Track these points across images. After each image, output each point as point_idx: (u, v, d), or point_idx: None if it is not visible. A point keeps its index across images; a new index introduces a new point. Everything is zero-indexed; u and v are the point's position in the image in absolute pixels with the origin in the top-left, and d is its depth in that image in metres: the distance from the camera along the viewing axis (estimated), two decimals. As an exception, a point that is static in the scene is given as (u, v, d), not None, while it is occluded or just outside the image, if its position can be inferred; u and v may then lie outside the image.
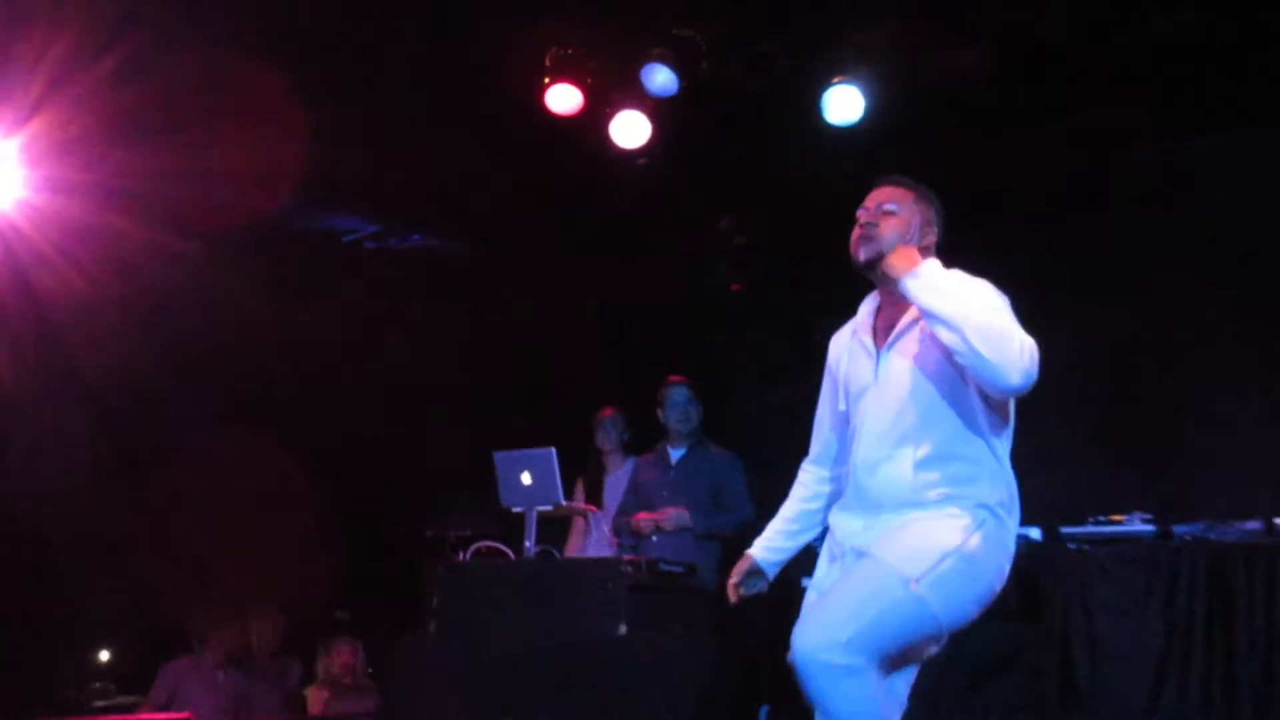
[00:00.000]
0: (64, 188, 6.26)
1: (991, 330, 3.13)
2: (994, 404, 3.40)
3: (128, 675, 7.50)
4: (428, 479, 7.75)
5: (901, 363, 3.46)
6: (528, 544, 5.77)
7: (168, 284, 6.84)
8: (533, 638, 5.33)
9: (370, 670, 7.39)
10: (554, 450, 5.81)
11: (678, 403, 6.25)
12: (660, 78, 6.57)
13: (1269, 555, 4.84)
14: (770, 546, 4.06)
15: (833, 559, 3.70)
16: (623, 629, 5.17)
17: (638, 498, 6.25)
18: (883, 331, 3.58)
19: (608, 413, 6.96)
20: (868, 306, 3.72)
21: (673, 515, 6.01)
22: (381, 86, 6.33)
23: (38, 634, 6.73)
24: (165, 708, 6.92)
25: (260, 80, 5.96)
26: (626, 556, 5.67)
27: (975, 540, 3.31)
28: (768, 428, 7.09)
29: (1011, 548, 3.43)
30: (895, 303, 3.53)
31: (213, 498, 7.48)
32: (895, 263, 3.33)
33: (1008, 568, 3.41)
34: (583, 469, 6.93)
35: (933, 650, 3.41)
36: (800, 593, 4.30)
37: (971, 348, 3.10)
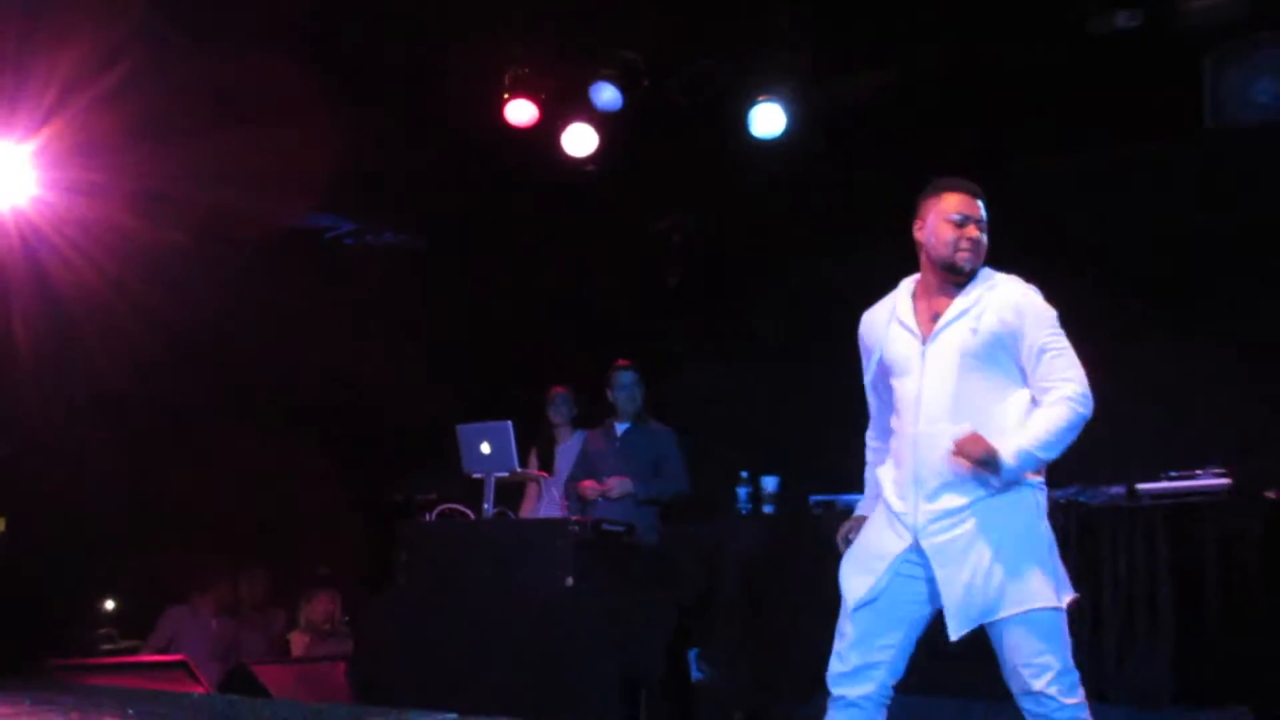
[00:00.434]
0: (78, 188, 6.21)
1: (1063, 434, 3.25)
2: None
3: (131, 622, 7.48)
4: (398, 449, 7.76)
5: (949, 353, 3.36)
6: (486, 506, 5.79)
7: (175, 277, 6.80)
8: (490, 589, 5.37)
9: (346, 618, 7.39)
10: (510, 423, 5.84)
11: (625, 384, 6.27)
12: (607, 94, 6.61)
13: (1130, 517, 4.92)
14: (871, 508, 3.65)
15: (890, 525, 3.44)
16: (570, 581, 5.21)
17: (585, 466, 6.28)
18: (925, 318, 3.46)
19: (559, 391, 6.99)
20: (907, 288, 3.60)
21: (617, 484, 6.04)
22: (362, 101, 6.32)
23: (51, 586, 6.70)
24: (163, 651, 6.92)
25: (263, 90, 5.97)
26: (574, 518, 5.70)
27: (1044, 520, 3.38)
28: (701, 405, 7.16)
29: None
30: (939, 292, 3.47)
31: (208, 468, 7.47)
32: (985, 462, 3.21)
33: None
34: (536, 440, 6.95)
35: None
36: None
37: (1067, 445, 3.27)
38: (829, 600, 5.53)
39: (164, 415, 7.22)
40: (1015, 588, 3.24)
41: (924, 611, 3.40)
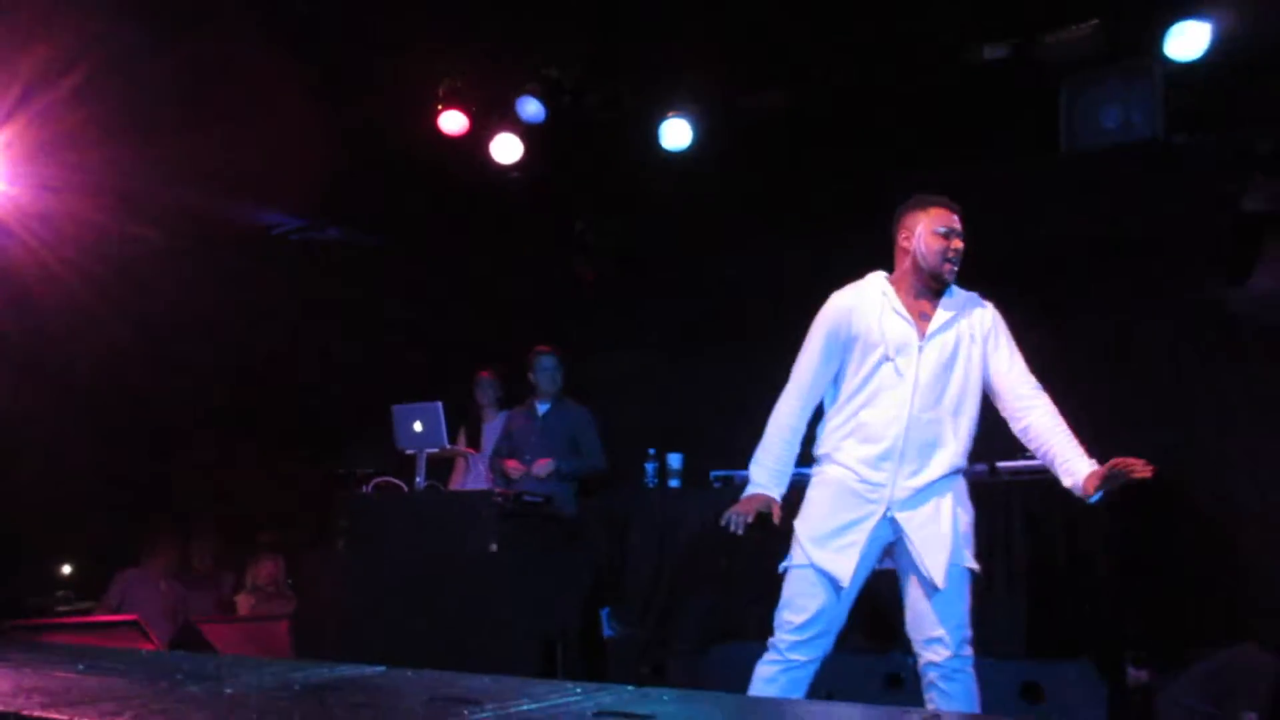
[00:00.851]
0: (45, 184, 6.04)
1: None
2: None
3: (85, 585, 7.32)
4: (337, 427, 7.67)
5: (943, 351, 3.45)
6: (418, 479, 5.76)
7: (135, 268, 6.64)
8: (421, 554, 5.34)
9: (289, 580, 7.29)
10: (440, 404, 5.80)
11: (546, 367, 6.25)
12: (531, 108, 6.61)
13: (990, 491, 4.99)
14: (782, 484, 3.64)
15: (856, 498, 3.46)
16: (494, 547, 5.19)
17: (509, 443, 6.25)
18: (915, 315, 3.49)
19: (485, 374, 6.96)
20: (877, 288, 3.55)
21: (542, 466, 6.01)
22: (309, 108, 6.21)
23: (10, 553, 6.53)
24: (116, 610, 6.77)
25: (220, 94, 5.86)
26: (498, 490, 5.68)
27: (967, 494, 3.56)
28: (613, 388, 7.15)
29: None
30: (920, 294, 3.51)
31: (163, 445, 7.34)
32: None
33: None
34: (464, 419, 6.91)
35: None
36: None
37: None
38: (726, 565, 5.59)
39: (123, 397, 7.05)
40: (959, 550, 3.40)
41: (868, 576, 3.48)
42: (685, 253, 7.33)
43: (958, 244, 3.47)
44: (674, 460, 6.19)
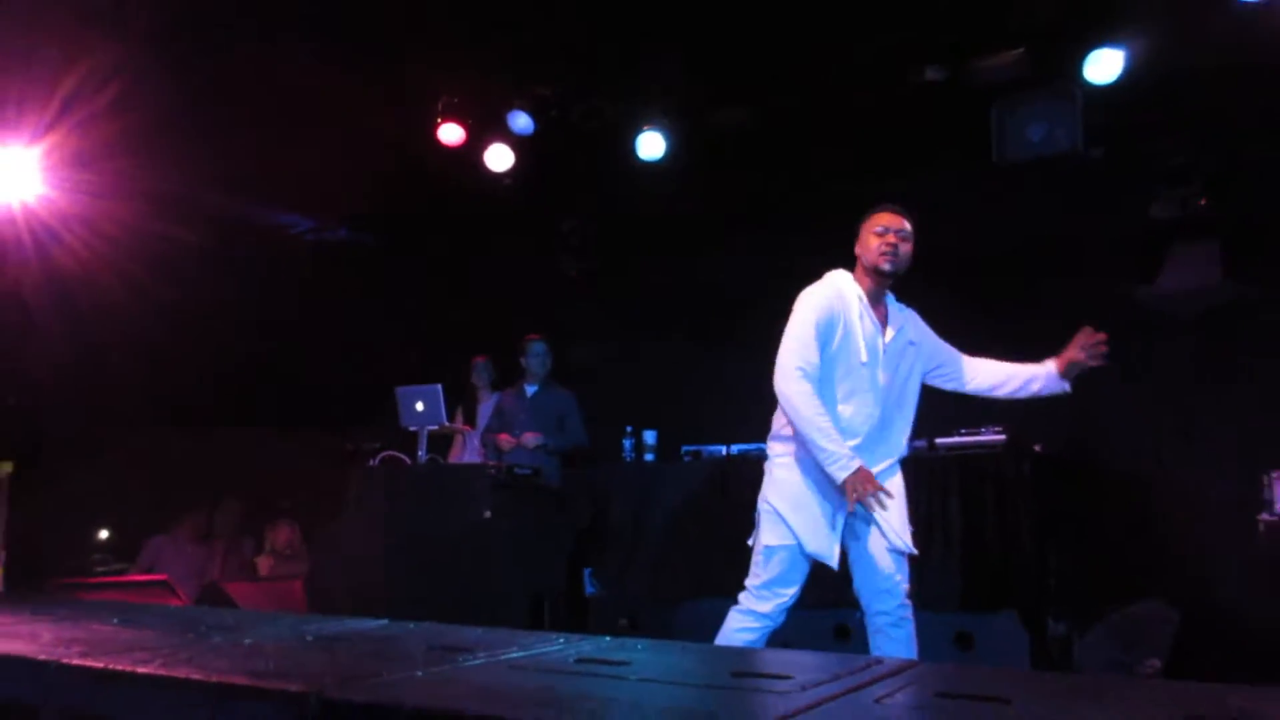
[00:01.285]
0: (80, 187, 5.98)
1: None
2: None
3: (120, 549, 7.27)
4: (347, 406, 7.63)
5: (898, 355, 3.50)
6: (420, 453, 5.74)
7: (166, 265, 6.57)
8: (422, 520, 5.32)
9: (304, 544, 7.26)
10: (440, 386, 5.78)
11: (537, 352, 6.23)
12: (521, 121, 6.58)
13: (929, 464, 5.02)
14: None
15: (833, 482, 3.35)
16: (488, 514, 5.19)
17: (501, 421, 6.23)
18: (880, 319, 3.50)
19: (480, 359, 6.94)
20: (853, 289, 3.48)
21: (531, 437, 6.00)
22: (323, 120, 6.17)
23: (53, 519, 6.47)
24: (148, 571, 6.73)
25: (242, 106, 5.81)
26: (491, 463, 5.66)
27: None
28: (595, 372, 7.15)
29: None
30: (875, 300, 3.50)
31: (189, 423, 7.28)
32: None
33: None
34: (461, 400, 6.88)
35: None
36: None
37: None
38: (693, 530, 5.59)
39: (154, 382, 6.99)
40: (906, 523, 3.47)
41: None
42: (660, 252, 7.32)
43: (891, 239, 3.42)
44: (649, 437, 6.18)
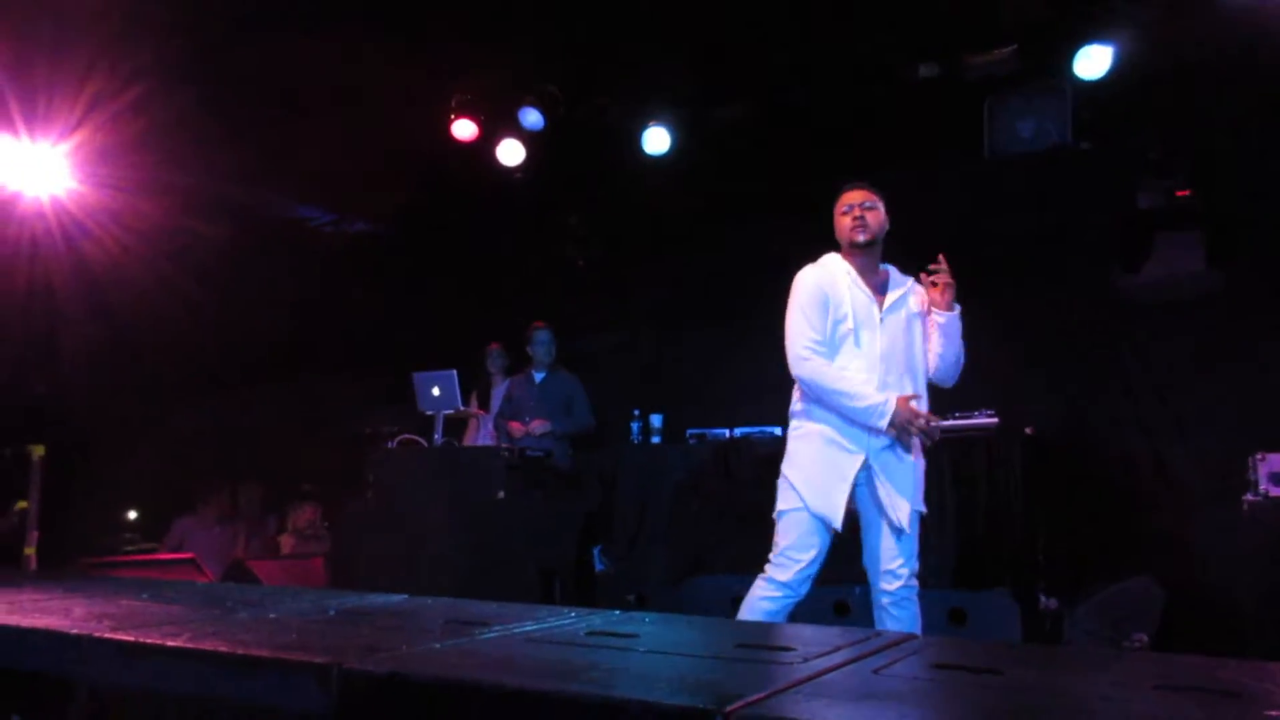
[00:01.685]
0: (107, 182, 5.98)
1: (962, 356, 3.50)
2: None
3: (149, 528, 7.30)
4: (367, 391, 7.64)
5: (898, 323, 3.44)
6: (436, 436, 5.73)
7: (191, 255, 6.58)
8: (438, 500, 5.32)
9: (326, 524, 7.26)
10: (455, 372, 5.78)
11: (542, 340, 6.22)
12: (532, 117, 6.60)
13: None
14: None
15: (842, 450, 3.39)
16: (501, 494, 5.18)
17: (511, 407, 6.23)
18: (874, 290, 3.45)
19: (494, 346, 6.92)
20: (840, 265, 3.48)
21: (539, 425, 5.99)
22: (343, 120, 6.16)
23: (83, 501, 6.49)
24: (175, 550, 6.75)
25: (265, 104, 5.81)
26: (504, 446, 5.66)
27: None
28: (604, 359, 7.15)
29: None
30: (865, 272, 3.46)
31: (216, 407, 7.29)
32: (946, 305, 3.46)
33: None
34: (475, 385, 6.88)
35: None
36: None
37: (957, 357, 3.49)
38: (698, 509, 5.58)
39: (180, 370, 7.00)
40: (917, 495, 3.41)
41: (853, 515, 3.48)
42: (664, 243, 7.31)
43: (857, 212, 3.44)
44: (656, 420, 6.19)
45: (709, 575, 5.32)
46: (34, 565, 5.41)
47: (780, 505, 3.48)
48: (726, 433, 5.72)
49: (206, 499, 7.24)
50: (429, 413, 5.81)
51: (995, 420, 4.97)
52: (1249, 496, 4.33)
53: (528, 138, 6.71)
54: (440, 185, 7.13)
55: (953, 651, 1.97)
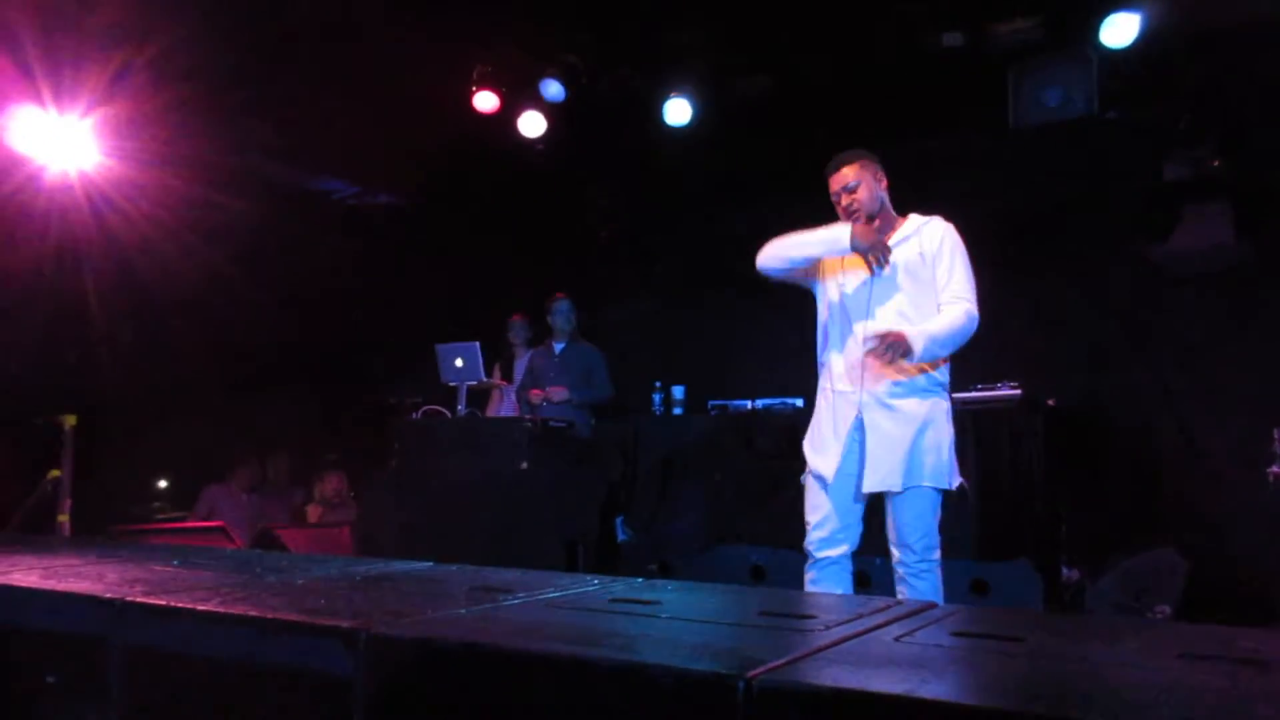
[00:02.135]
0: (133, 155, 6.00)
1: (956, 336, 3.21)
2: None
3: (179, 497, 7.37)
4: (392, 363, 7.67)
5: (892, 276, 3.32)
6: (460, 407, 5.76)
7: (220, 230, 6.60)
8: (462, 470, 5.35)
9: (352, 493, 7.33)
10: (478, 344, 5.80)
11: (562, 311, 6.22)
12: (553, 89, 6.57)
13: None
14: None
15: (835, 408, 3.38)
16: (524, 464, 5.20)
17: (532, 379, 6.24)
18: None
19: (517, 317, 6.93)
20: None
21: (556, 391, 6.01)
22: (366, 93, 6.15)
23: (115, 469, 6.56)
24: (205, 518, 6.82)
25: (288, 76, 5.82)
26: (527, 416, 5.68)
27: (948, 422, 3.35)
28: (627, 330, 7.15)
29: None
30: (890, 229, 3.40)
31: (245, 377, 7.33)
32: (899, 351, 3.14)
33: None
34: (498, 356, 6.90)
35: None
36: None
37: (957, 348, 3.26)
38: (719, 480, 5.60)
39: (208, 340, 7.03)
40: (918, 467, 3.26)
41: (859, 481, 3.34)
42: (685, 214, 7.29)
43: (843, 200, 3.40)
44: (677, 391, 6.19)
45: (731, 545, 5.34)
46: (68, 532, 5.48)
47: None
48: (748, 404, 5.72)
49: (235, 468, 7.30)
50: (452, 384, 5.84)
51: (1018, 392, 4.94)
52: (1274, 468, 4.30)
53: (549, 109, 6.69)
54: (462, 157, 7.12)
55: (974, 620, 1.97)
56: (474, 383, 5.84)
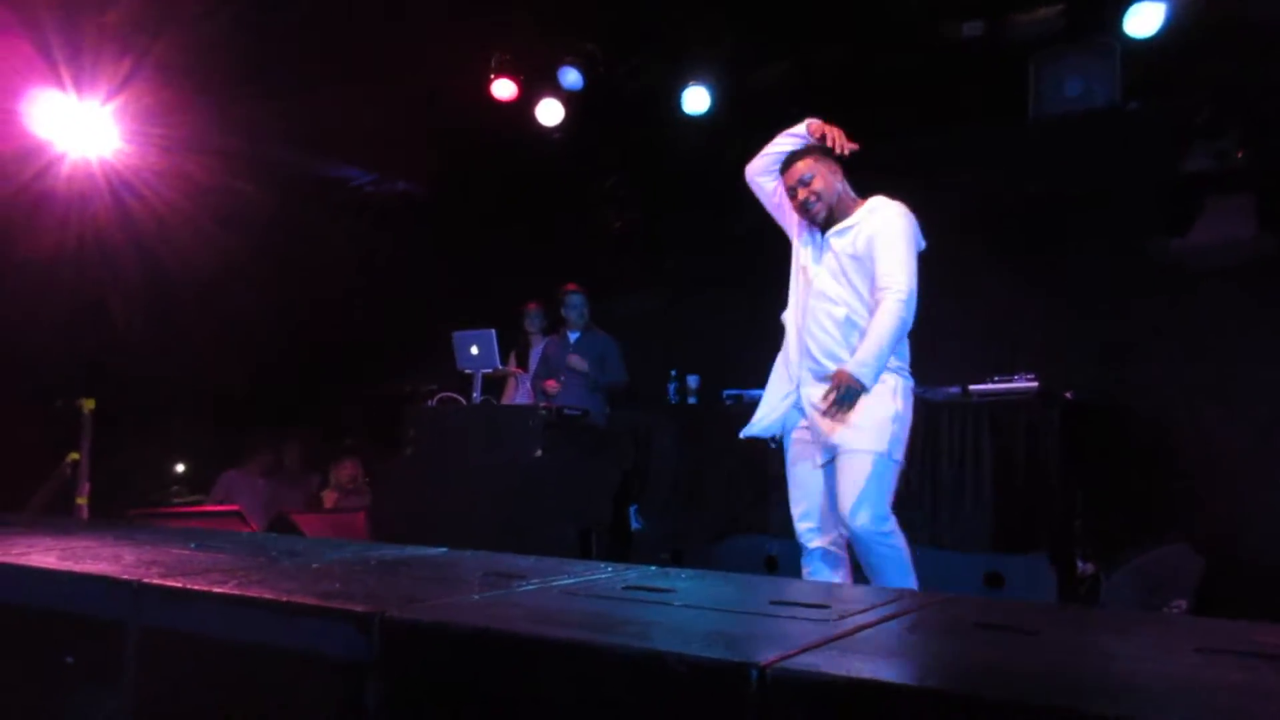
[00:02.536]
0: (153, 141, 6.03)
1: (893, 334, 3.16)
2: None
3: (196, 481, 7.41)
4: (408, 350, 7.69)
5: (831, 259, 3.33)
6: (475, 395, 5.76)
7: (238, 216, 6.62)
8: (477, 457, 5.36)
9: (367, 479, 7.35)
10: (494, 331, 5.80)
11: (575, 304, 6.23)
12: (571, 77, 6.55)
13: (963, 409, 4.98)
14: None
15: (780, 381, 3.45)
16: (539, 452, 5.20)
17: (547, 368, 6.25)
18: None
19: (533, 306, 6.93)
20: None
21: (577, 359, 6.01)
22: (382, 80, 6.16)
23: (132, 454, 6.61)
24: (221, 503, 6.86)
25: (307, 63, 5.82)
26: (542, 404, 5.69)
27: (901, 399, 3.25)
28: (642, 321, 7.14)
29: (912, 395, 3.34)
30: (849, 213, 3.40)
31: (260, 363, 7.36)
32: (850, 389, 3.13)
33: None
34: (514, 344, 6.91)
35: None
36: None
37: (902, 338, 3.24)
38: (733, 469, 5.60)
39: (225, 326, 7.06)
40: (854, 434, 3.19)
41: (816, 466, 3.33)
42: (702, 204, 7.27)
43: (802, 193, 3.39)
44: (692, 381, 6.19)
45: (743, 535, 5.34)
46: (86, 515, 5.52)
47: None
48: (763, 393, 5.70)
49: (251, 453, 7.34)
50: (468, 371, 5.84)
51: (1035, 384, 4.92)
52: (1292, 463, 4.26)
53: (567, 98, 6.68)
54: (479, 146, 7.12)
55: (988, 611, 1.96)
56: (489, 370, 5.84)
